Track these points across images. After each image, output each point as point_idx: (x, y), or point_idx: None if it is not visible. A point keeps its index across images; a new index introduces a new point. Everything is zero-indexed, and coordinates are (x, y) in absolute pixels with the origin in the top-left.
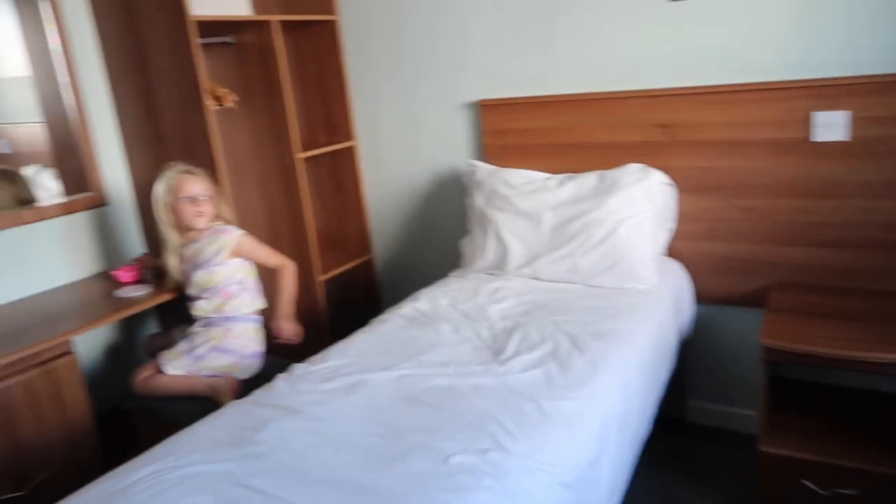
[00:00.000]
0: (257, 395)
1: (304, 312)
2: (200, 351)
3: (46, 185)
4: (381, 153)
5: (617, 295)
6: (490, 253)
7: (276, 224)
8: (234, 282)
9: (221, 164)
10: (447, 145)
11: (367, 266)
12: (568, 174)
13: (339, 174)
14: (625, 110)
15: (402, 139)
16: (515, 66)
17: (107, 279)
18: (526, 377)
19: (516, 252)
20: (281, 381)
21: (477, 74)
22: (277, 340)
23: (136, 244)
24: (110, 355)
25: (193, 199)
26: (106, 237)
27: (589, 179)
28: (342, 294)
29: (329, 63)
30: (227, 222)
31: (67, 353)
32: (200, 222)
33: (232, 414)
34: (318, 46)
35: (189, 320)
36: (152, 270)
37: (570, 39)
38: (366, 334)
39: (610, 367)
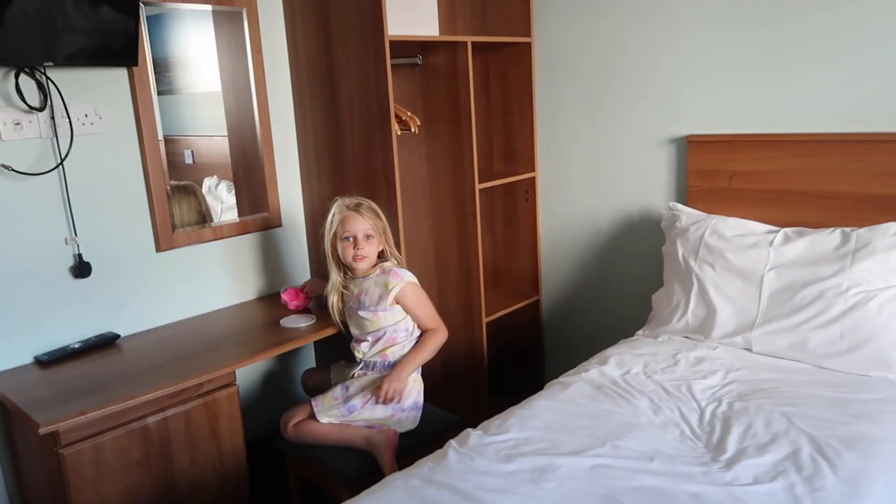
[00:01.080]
0: (427, 468)
1: (463, 356)
2: (356, 402)
3: (222, 198)
4: (562, 187)
5: (860, 385)
6: (691, 313)
7: (443, 256)
8: (401, 329)
9: (399, 192)
10: (641, 184)
11: (534, 308)
12: (797, 228)
13: (514, 206)
14: (884, 156)
15: (587, 173)
16: (737, 97)
17: (270, 303)
18: (762, 493)
19: (725, 316)
20: (454, 453)
21: (686, 106)
22: (377, 395)
23: (303, 271)
24: (262, 382)
25: (354, 240)
26: (274, 260)
27: (828, 238)
28: (504, 337)
29: (517, 87)
30: (397, 261)
31: (230, 384)
32: (361, 265)
33: (400, 492)
34: (507, 69)
35: (347, 356)
36: (318, 299)
37: (815, 66)
38: (547, 401)
39: (875, 492)
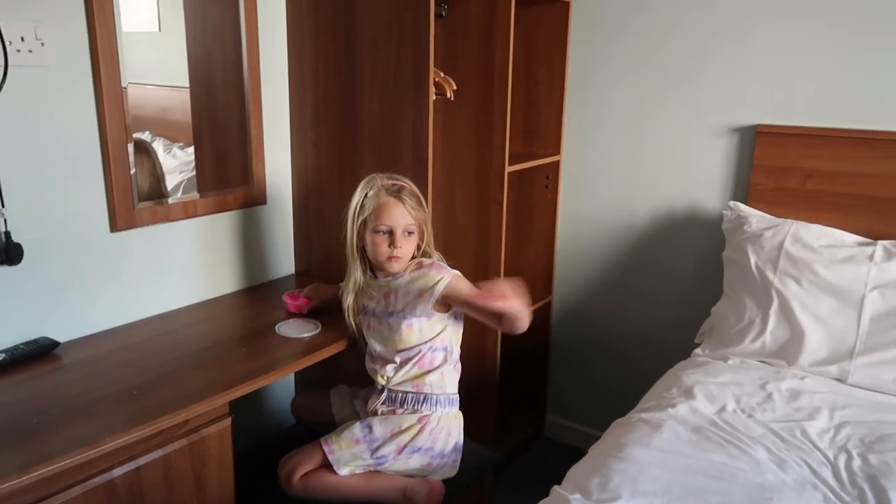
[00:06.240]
0: None
1: (473, 367)
2: (385, 451)
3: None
4: (590, 175)
5: None
6: (770, 334)
7: (457, 248)
8: (438, 347)
9: (431, 174)
10: (689, 178)
11: (545, 311)
12: None
13: (529, 192)
14: None
15: (622, 161)
16: (821, 84)
17: (252, 300)
18: None
19: (815, 340)
20: None
21: (757, 91)
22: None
23: (286, 261)
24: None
25: (391, 235)
26: (257, 246)
27: None
28: (510, 344)
29: (546, 54)
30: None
31: (223, 416)
32: (395, 265)
33: None
34: (536, 31)
35: (349, 377)
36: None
37: None
38: (644, 449)
39: None
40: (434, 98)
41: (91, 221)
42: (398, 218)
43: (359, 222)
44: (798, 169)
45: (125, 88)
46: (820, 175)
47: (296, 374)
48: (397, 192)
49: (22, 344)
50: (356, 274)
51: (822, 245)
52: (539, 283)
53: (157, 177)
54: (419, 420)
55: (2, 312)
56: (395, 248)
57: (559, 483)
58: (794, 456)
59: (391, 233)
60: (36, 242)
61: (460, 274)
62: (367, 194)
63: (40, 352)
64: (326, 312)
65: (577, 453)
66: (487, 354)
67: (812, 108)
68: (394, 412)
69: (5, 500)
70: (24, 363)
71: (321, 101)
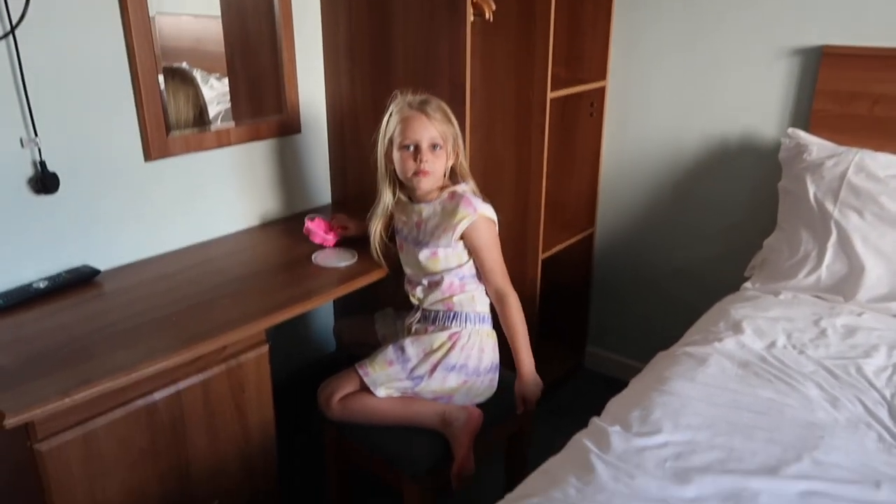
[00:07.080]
0: (573, 489)
1: None
2: (419, 370)
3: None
4: (637, 101)
5: None
6: (826, 268)
7: (496, 179)
8: (467, 274)
9: (469, 100)
10: (745, 103)
11: (587, 243)
12: None
13: (573, 120)
14: None
15: (672, 86)
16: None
17: (288, 230)
18: None
19: (876, 275)
20: (601, 465)
21: (823, 6)
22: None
23: (324, 190)
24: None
25: (417, 149)
26: (292, 175)
27: None
28: (551, 276)
29: None
30: (473, 187)
31: (261, 342)
32: (424, 182)
33: None
34: None
35: (395, 301)
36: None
37: None
38: (688, 382)
39: None
40: (472, 20)
41: (125, 151)
42: (422, 131)
43: (386, 142)
44: (866, 94)
45: (153, 18)
46: (889, 100)
47: (335, 303)
48: (421, 106)
49: (63, 272)
50: (386, 197)
51: (888, 175)
52: (582, 214)
53: (201, 107)
54: (450, 337)
55: (42, 240)
56: (421, 162)
57: (599, 415)
58: (847, 394)
59: (417, 147)
60: (71, 172)
61: (490, 216)
62: (391, 112)
63: (81, 279)
64: (363, 242)
65: (617, 385)
66: (528, 286)
67: (884, 27)
68: (426, 330)
69: (51, 420)
70: (65, 290)
71: (354, 26)
